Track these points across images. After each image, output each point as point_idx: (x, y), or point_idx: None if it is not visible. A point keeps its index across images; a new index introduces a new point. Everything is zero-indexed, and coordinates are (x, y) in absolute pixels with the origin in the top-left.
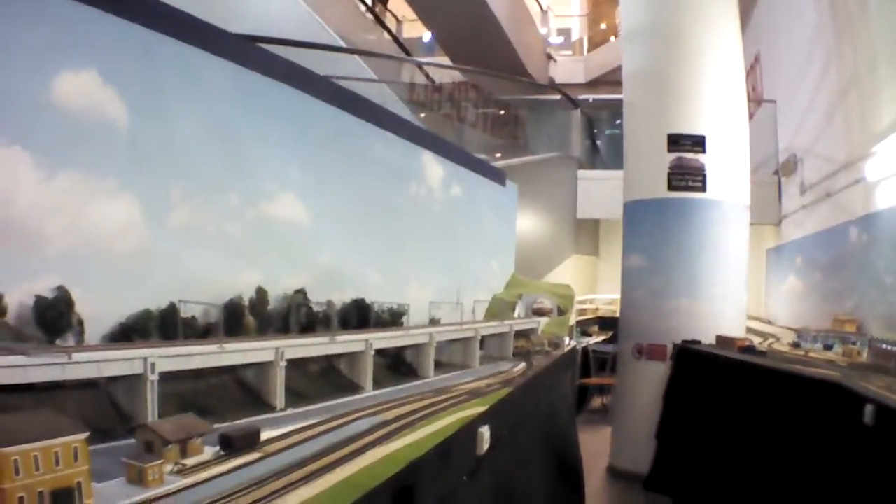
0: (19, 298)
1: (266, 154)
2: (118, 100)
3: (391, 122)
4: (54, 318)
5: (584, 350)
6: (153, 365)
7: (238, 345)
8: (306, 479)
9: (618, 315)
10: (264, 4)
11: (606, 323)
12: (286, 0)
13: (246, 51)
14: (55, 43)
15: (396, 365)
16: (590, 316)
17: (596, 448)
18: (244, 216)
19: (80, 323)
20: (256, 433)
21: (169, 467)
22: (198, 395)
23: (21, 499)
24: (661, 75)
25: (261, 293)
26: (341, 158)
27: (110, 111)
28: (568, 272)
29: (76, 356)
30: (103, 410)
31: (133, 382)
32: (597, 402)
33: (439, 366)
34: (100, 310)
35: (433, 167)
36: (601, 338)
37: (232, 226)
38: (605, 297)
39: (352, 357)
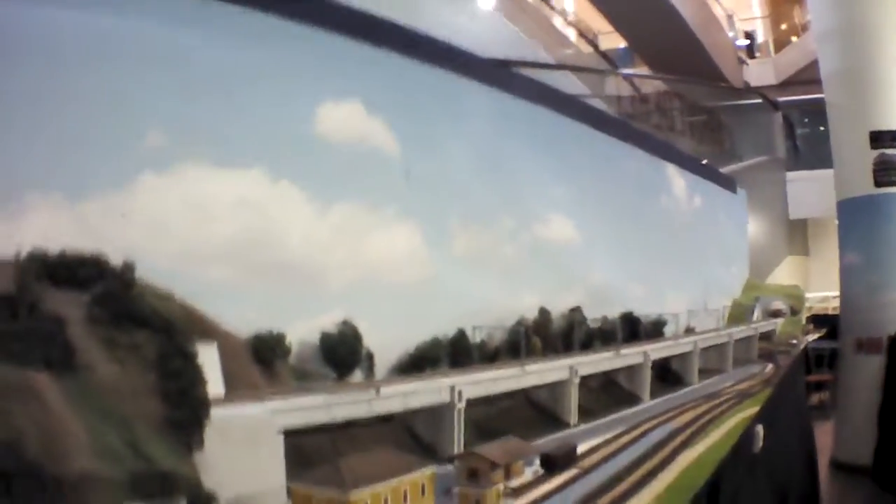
0: (301, 336)
1: (532, 176)
2: (387, 130)
3: (635, 137)
4: (344, 354)
5: (804, 349)
6: (460, 393)
7: (538, 366)
8: (632, 490)
9: (830, 312)
10: (479, 27)
11: (820, 320)
12: (495, 21)
13: (503, 75)
14: (319, 75)
15: (663, 374)
16: (804, 314)
17: (817, 442)
18: (519, 239)
19: (370, 357)
20: (573, 450)
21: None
22: (491, 418)
23: None
24: (861, 74)
25: (543, 313)
26: (598, 176)
27: (380, 141)
28: (784, 273)
29: (383, 390)
30: (404, 442)
31: (435, 411)
32: (814, 398)
33: (699, 372)
34: (387, 341)
35: (676, 179)
36: (816, 335)
37: (509, 249)
38: (817, 294)
39: (630, 370)
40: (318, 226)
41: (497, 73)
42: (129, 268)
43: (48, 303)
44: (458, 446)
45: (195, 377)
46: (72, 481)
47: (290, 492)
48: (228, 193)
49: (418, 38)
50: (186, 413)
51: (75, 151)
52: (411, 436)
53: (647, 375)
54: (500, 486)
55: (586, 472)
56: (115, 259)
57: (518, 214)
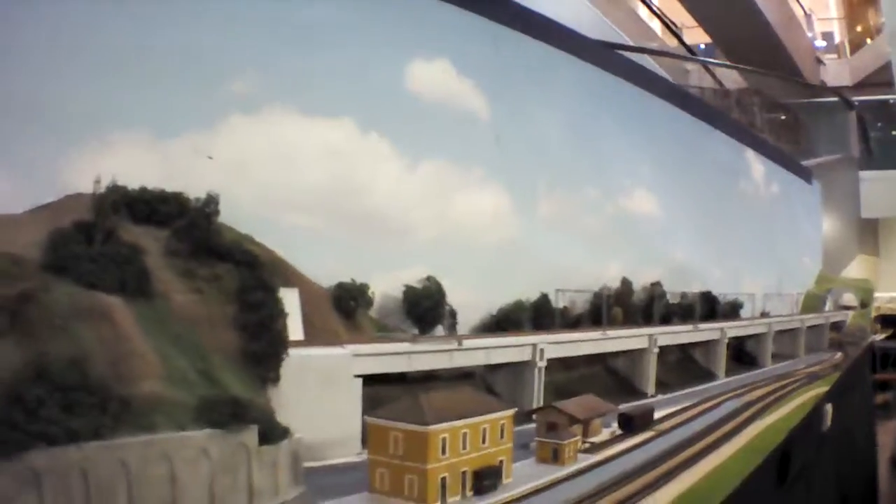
0: (384, 289)
1: (618, 151)
2: (477, 92)
3: (720, 121)
4: (427, 309)
5: (870, 346)
6: (542, 351)
7: (619, 332)
8: (707, 449)
9: None
10: (574, 16)
11: (888, 320)
12: (592, 15)
13: (597, 52)
14: (409, 32)
15: (738, 355)
16: (872, 314)
17: (879, 440)
18: (603, 210)
19: (453, 314)
20: (651, 412)
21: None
22: (571, 384)
23: (443, 479)
24: None
25: (626, 284)
26: (683, 157)
27: (470, 102)
28: (854, 272)
29: (466, 343)
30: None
31: (516, 369)
32: (879, 398)
33: (772, 356)
34: (469, 300)
35: (756, 165)
36: (884, 335)
37: (593, 219)
38: (886, 295)
39: (706, 346)
40: (407, 180)
41: (591, 50)
42: (212, 200)
43: (126, 234)
44: (538, 403)
45: (276, 311)
46: (138, 402)
47: (365, 426)
48: (316, 141)
49: (514, 7)
50: (264, 346)
51: (161, 91)
52: (490, 393)
53: (723, 352)
54: (578, 440)
55: (661, 433)
56: (196, 199)
57: (603, 186)
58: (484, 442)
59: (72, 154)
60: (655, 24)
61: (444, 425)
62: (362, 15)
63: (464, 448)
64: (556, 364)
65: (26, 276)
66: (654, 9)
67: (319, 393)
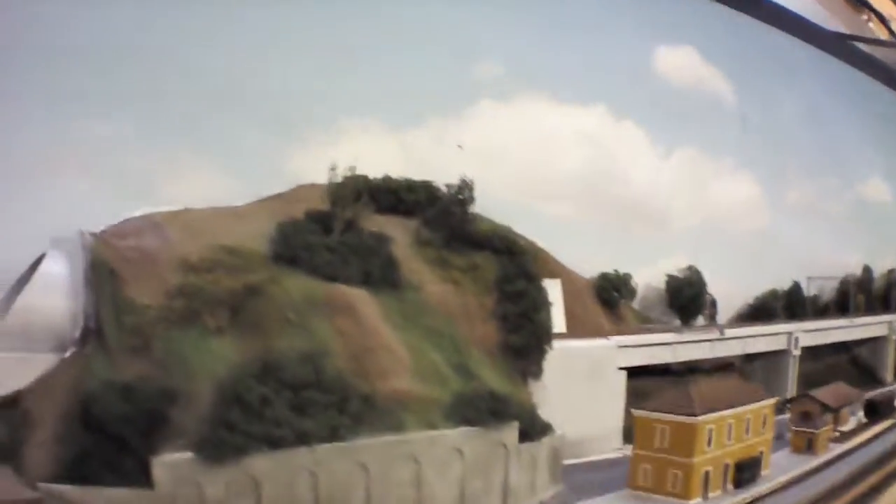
0: (645, 279)
1: (854, 140)
2: (722, 78)
3: None
4: (689, 298)
5: None
6: (797, 340)
7: (864, 319)
8: None
9: None
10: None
11: None
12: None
13: (836, 44)
14: (654, 20)
15: None
16: None
17: None
18: (843, 198)
19: (713, 304)
20: (892, 398)
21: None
22: (818, 373)
23: (707, 473)
24: None
25: (867, 271)
26: None
27: (717, 87)
28: None
29: (727, 332)
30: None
31: (771, 358)
32: None
33: None
34: (728, 289)
35: None
36: None
37: (834, 206)
38: None
39: None
40: (662, 168)
41: (830, 41)
42: (466, 186)
43: (370, 224)
44: (791, 392)
45: (538, 301)
46: (383, 400)
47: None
48: (570, 129)
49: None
50: (526, 338)
51: (399, 78)
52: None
53: None
54: (830, 429)
55: None
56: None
57: (842, 174)
58: (747, 433)
59: (300, 145)
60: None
61: (712, 416)
62: (608, 4)
63: (728, 439)
64: (805, 353)
65: (251, 267)
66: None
67: (583, 386)
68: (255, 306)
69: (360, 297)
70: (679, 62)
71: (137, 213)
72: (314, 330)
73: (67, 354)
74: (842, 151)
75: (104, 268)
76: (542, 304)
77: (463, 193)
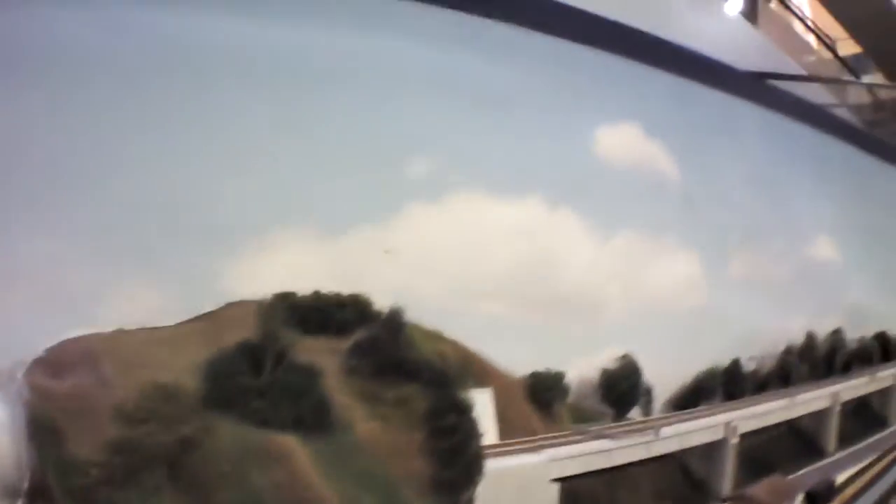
0: (579, 372)
1: (797, 195)
2: (666, 152)
3: (890, 153)
4: (624, 390)
5: None
6: (735, 428)
7: (805, 395)
8: None
9: None
10: (727, 34)
11: None
12: (742, 28)
13: (765, 91)
14: (597, 97)
15: None
16: None
17: None
18: (787, 261)
19: (648, 392)
20: (832, 485)
21: None
22: (758, 448)
23: None
24: None
25: (810, 338)
26: (855, 193)
27: (659, 164)
28: None
29: (663, 432)
30: (677, 480)
31: (709, 447)
32: None
33: None
34: (664, 372)
35: None
36: None
37: (778, 271)
38: None
39: (882, 392)
40: (599, 255)
41: (760, 89)
42: (396, 313)
43: (298, 352)
44: (729, 481)
45: (470, 433)
46: None
47: None
48: (503, 223)
49: (692, 55)
50: (458, 472)
51: (329, 182)
52: (684, 473)
53: None
54: None
55: (845, 502)
56: (377, 300)
57: (787, 234)
58: None
59: (229, 257)
60: (810, 39)
61: None
62: (550, 78)
63: None
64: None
65: (185, 417)
66: (808, 23)
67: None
68: (191, 460)
69: (292, 447)
70: (621, 140)
71: (71, 335)
72: (251, 483)
73: None
74: (787, 211)
75: (44, 423)
76: (474, 436)
77: (394, 319)
